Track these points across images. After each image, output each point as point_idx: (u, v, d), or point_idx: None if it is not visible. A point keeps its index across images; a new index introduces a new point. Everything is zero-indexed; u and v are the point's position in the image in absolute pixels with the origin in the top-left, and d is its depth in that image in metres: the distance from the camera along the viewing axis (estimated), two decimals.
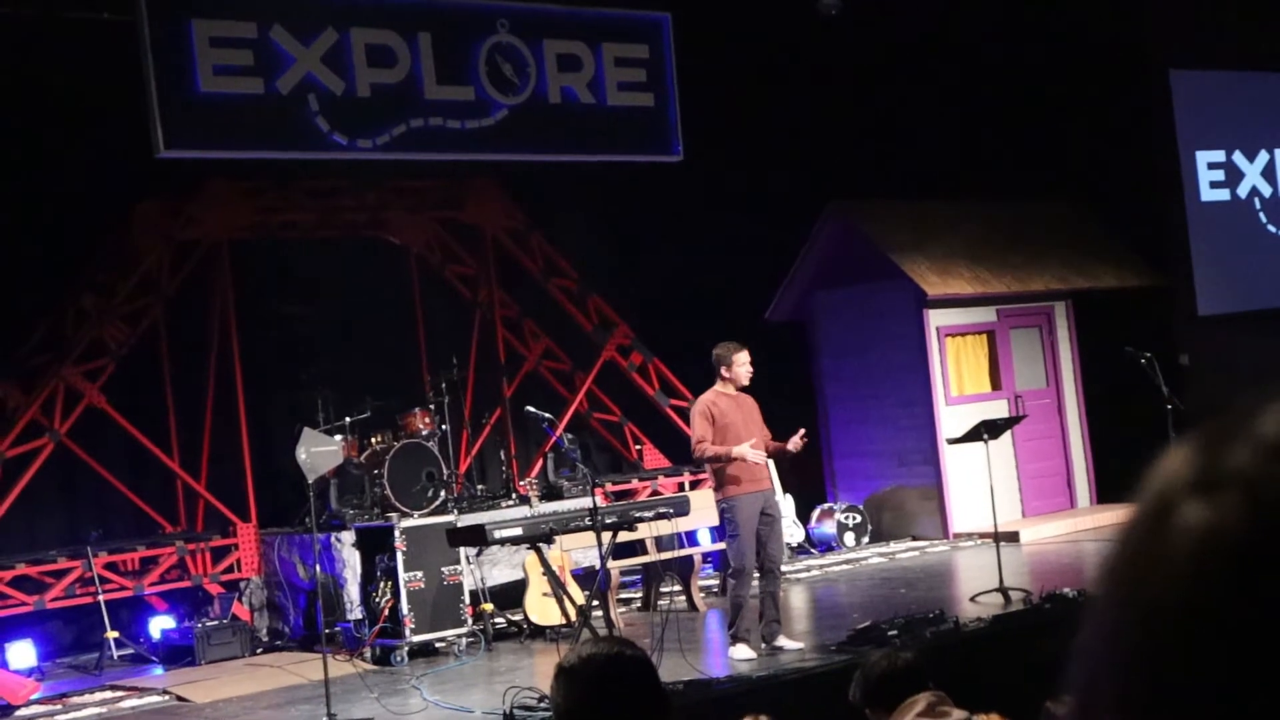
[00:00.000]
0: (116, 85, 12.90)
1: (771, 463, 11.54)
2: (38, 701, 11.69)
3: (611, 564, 12.03)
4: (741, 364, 11.11)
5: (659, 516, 10.88)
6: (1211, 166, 19.31)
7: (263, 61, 13.21)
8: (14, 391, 13.64)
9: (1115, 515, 16.30)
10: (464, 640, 12.39)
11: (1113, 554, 0.97)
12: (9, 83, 13.07)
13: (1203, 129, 19.16)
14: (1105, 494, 17.60)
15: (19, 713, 11.39)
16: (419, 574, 12.15)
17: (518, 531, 10.45)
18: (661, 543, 13.09)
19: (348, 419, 13.87)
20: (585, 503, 10.92)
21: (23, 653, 12.82)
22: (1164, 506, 0.94)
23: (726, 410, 10.97)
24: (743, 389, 11.17)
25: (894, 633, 10.61)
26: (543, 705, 9.12)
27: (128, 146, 12.97)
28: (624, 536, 10.99)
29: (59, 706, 11.63)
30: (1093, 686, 0.95)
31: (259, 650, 13.31)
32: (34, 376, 13.68)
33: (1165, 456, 0.97)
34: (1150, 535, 0.94)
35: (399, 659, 12.05)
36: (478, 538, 10.62)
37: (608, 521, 10.35)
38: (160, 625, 13.63)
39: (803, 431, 11.02)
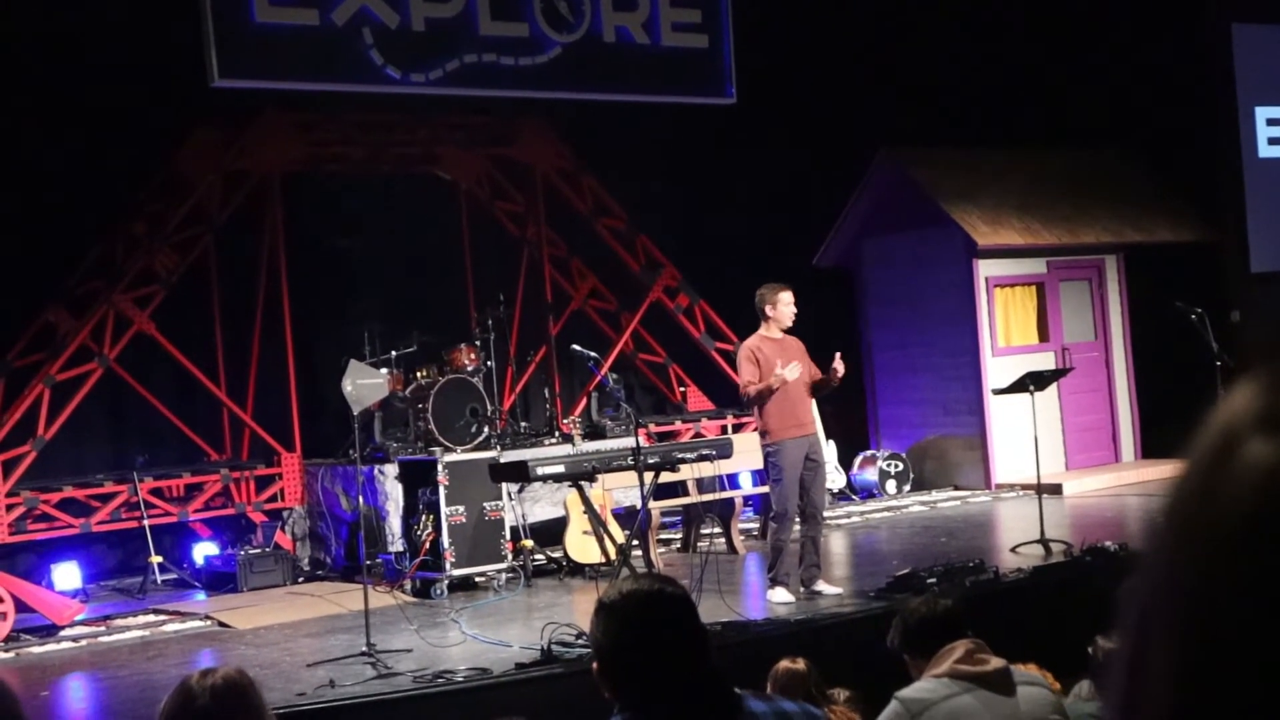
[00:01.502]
0: (173, 13, 12.89)
1: (815, 409, 11.51)
2: (82, 623, 11.82)
3: (652, 504, 12.06)
4: (785, 304, 11.08)
5: (701, 458, 10.88)
6: (1271, 123, 19.07)
7: None
8: (65, 316, 13.73)
9: (1160, 471, 16.23)
10: (503, 575, 12.45)
11: (1175, 488, 0.96)
12: (65, 10, 13.09)
13: (1263, 84, 18.92)
14: (1150, 449, 17.51)
15: (63, 633, 11.52)
16: (460, 509, 12.20)
17: (560, 469, 10.47)
18: (703, 485, 13.11)
19: (394, 352, 13.91)
20: (628, 442, 10.94)
21: (68, 574, 12.96)
22: (1229, 442, 0.93)
23: (771, 354, 10.95)
24: (788, 331, 11.14)
25: (933, 581, 10.61)
26: (581, 641, 9.17)
27: (182, 75, 12.98)
28: (666, 477, 11.00)
29: (103, 628, 11.76)
30: (1148, 620, 0.95)
31: (300, 579, 13.42)
32: (85, 302, 13.76)
33: (1230, 394, 0.96)
34: (1214, 470, 0.93)
35: (439, 592, 12.12)
36: (520, 474, 10.64)
37: (650, 462, 10.35)
38: (204, 552, 13.76)
39: (839, 355, 10.97)
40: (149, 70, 13.35)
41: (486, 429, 13.77)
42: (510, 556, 12.56)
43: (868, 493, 16.71)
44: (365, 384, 10.43)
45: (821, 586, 11.01)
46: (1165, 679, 0.92)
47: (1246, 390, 0.95)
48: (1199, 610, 0.90)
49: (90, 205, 14.07)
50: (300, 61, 13.21)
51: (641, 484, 10.19)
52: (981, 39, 17.72)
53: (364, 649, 9.75)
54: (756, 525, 14.31)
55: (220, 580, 13.22)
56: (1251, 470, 0.90)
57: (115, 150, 13.98)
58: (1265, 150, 19.00)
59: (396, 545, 12.87)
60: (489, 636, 10.41)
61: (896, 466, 16.87)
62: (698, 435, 15.32)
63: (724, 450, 11.11)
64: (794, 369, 10.74)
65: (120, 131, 13.88)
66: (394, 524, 13.08)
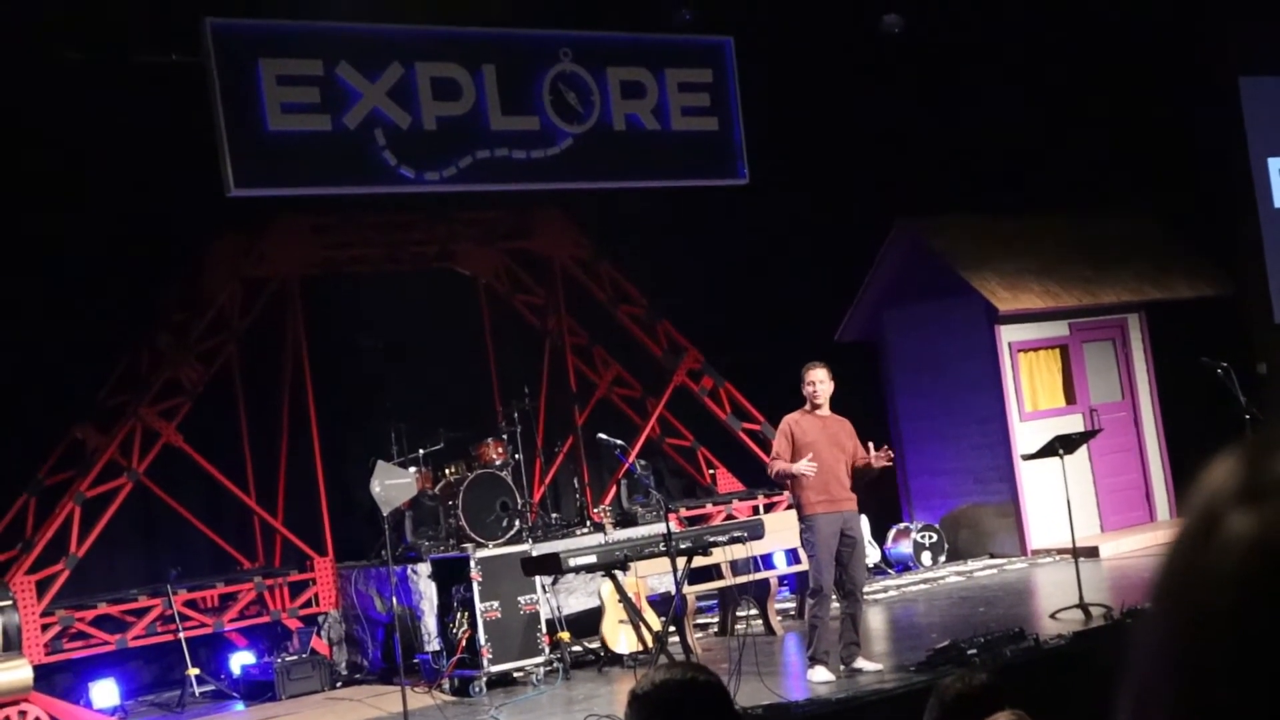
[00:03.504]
0: (186, 126, 13.03)
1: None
2: None
3: (687, 589, 12.02)
4: (807, 383, 11.13)
5: (733, 540, 10.86)
6: None
7: (329, 98, 13.32)
8: (93, 433, 13.79)
9: None
10: (541, 669, 12.39)
11: (1161, 565, 0.96)
12: (80, 128, 13.24)
13: (1274, 135, 18.95)
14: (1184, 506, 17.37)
15: None
16: (495, 604, 12.17)
17: (592, 559, 10.45)
18: (737, 566, 13.06)
19: (421, 451, 13.93)
20: (659, 528, 10.92)
21: (106, 692, 12.94)
22: (1211, 517, 0.93)
23: (808, 430, 10.97)
24: (833, 408, 11.17)
25: (973, 651, 10.53)
26: None
27: (198, 186, 13.10)
28: (699, 561, 10.98)
29: None
30: (1146, 698, 0.94)
31: (338, 684, 13.37)
32: (112, 417, 13.82)
33: (1211, 468, 0.96)
34: (1198, 545, 0.93)
35: (477, 689, 12.07)
36: (553, 566, 10.62)
37: (682, 547, 10.33)
38: (240, 661, 13.72)
39: (885, 447, 11.01)
40: (165, 184, 13.48)
41: (518, 522, 13.75)
42: (547, 649, 12.51)
43: (903, 565, 16.63)
44: (394, 484, 10.46)
45: (862, 664, 10.95)
46: None
47: (1225, 465, 0.95)
48: (1191, 683, 0.90)
49: (113, 321, 14.15)
50: (315, 167, 13.33)
51: (675, 570, 10.17)
52: (992, 108, 17.78)
53: None
54: (793, 605, 14.24)
55: (258, 689, 13.17)
56: (1233, 544, 0.90)
57: (135, 265, 14.10)
58: None
59: (433, 644, 12.82)
60: None
61: (930, 538, 16.79)
62: (729, 517, 15.27)
63: (756, 531, 11.08)
64: (808, 469, 10.73)
65: (140, 245, 13.99)
66: (429, 623, 13.04)
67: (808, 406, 11.15)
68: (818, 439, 10.94)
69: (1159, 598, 0.95)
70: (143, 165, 13.43)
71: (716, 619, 14.20)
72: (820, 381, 11.12)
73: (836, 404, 11.35)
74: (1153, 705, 0.94)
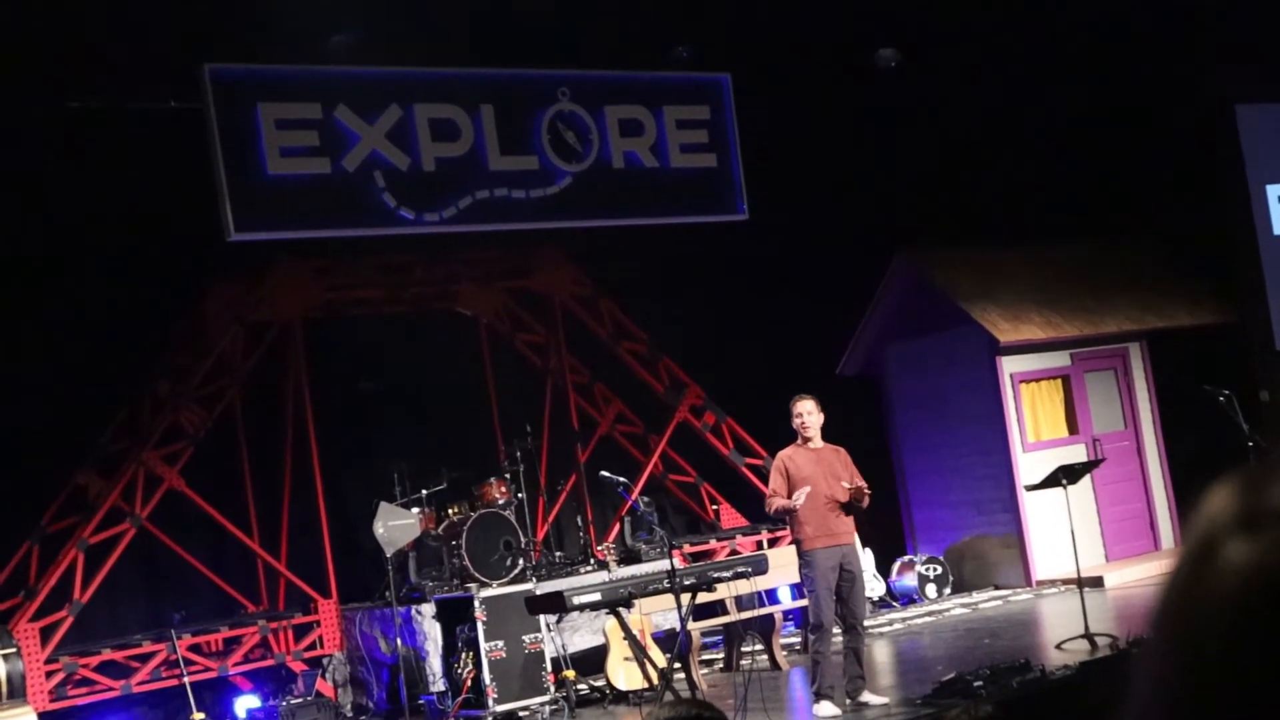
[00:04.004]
0: (185, 172, 13.07)
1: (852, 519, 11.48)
2: None
3: (692, 625, 12.00)
4: (795, 415, 11.13)
5: (737, 576, 10.84)
6: None
7: (328, 141, 13.36)
8: (95, 479, 13.79)
9: None
10: (547, 708, 12.36)
11: (1160, 594, 0.97)
12: (80, 175, 13.29)
13: (1271, 162, 18.98)
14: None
15: None
16: (500, 643, 12.15)
17: (597, 597, 10.43)
18: (741, 602, 13.04)
19: (424, 491, 13.92)
20: (663, 565, 10.90)
21: None
22: (1209, 545, 0.94)
23: (803, 464, 10.95)
24: (827, 439, 11.16)
25: (979, 684, 10.51)
26: None
27: (198, 232, 13.14)
28: (704, 597, 10.98)
29: None
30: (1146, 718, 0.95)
31: None
32: (114, 463, 13.82)
33: (1209, 496, 0.97)
34: (1196, 574, 0.94)
35: None
36: (557, 605, 10.60)
37: (686, 583, 10.31)
38: (245, 705, 13.68)
39: (855, 483, 10.98)
40: (165, 229, 13.51)
41: (521, 561, 13.73)
42: (553, 688, 12.49)
43: (908, 598, 16.59)
44: (397, 525, 10.46)
45: (867, 697, 10.92)
46: None
47: (1224, 493, 0.96)
48: (1190, 709, 0.91)
49: (115, 367, 14.17)
50: (314, 210, 13.36)
51: (679, 606, 10.15)
52: (990, 140, 17.83)
53: None
54: (799, 639, 14.21)
55: None
56: (1232, 572, 0.91)
57: (136, 310, 14.11)
58: None
59: (438, 685, 12.80)
60: None
61: (935, 570, 16.77)
62: (733, 553, 15.25)
63: (759, 566, 11.06)
64: (801, 495, 10.73)
65: (141, 290, 14.01)
66: (434, 663, 13.01)
67: (799, 440, 11.14)
68: (813, 472, 10.92)
69: (1158, 625, 0.96)
70: (143, 211, 13.47)
71: (722, 655, 14.17)
72: (809, 413, 11.10)
73: (839, 437, 11.34)
74: None
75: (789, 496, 10.88)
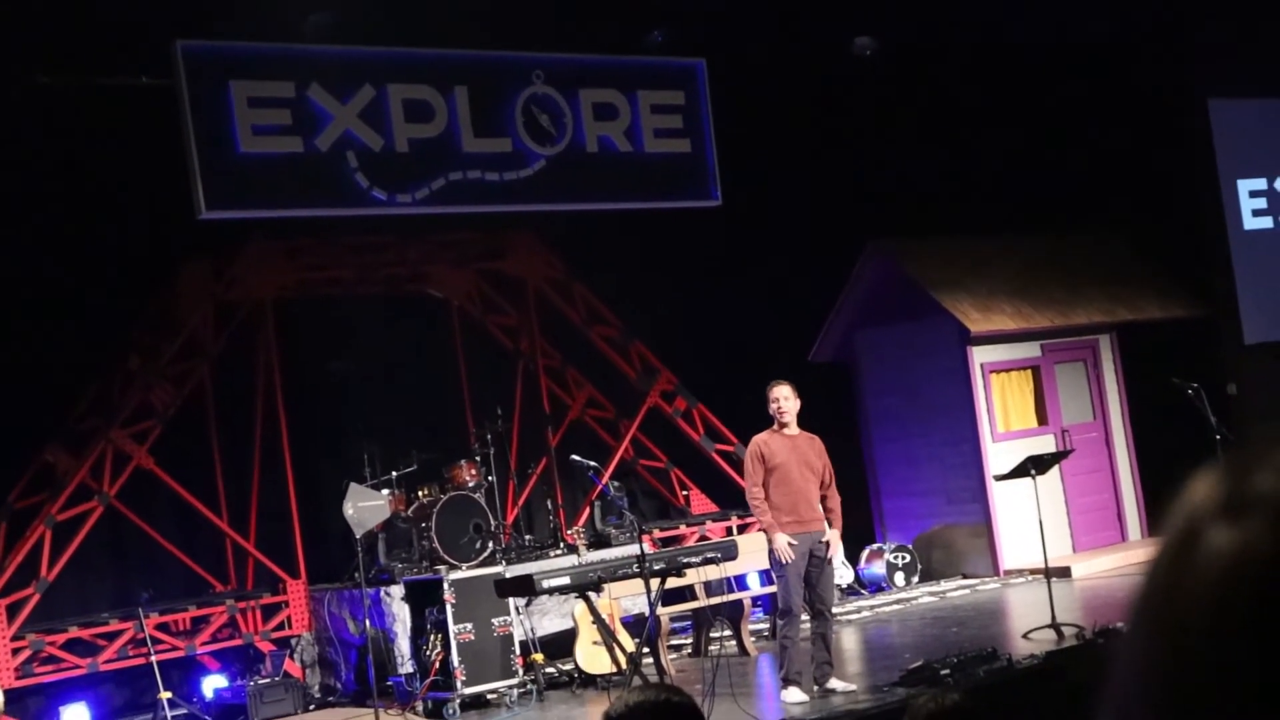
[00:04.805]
0: (157, 149, 13.01)
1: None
2: None
3: (661, 610, 12.01)
4: (771, 401, 11.13)
5: (707, 561, 10.85)
6: (1253, 194, 19.19)
7: (301, 120, 13.30)
8: (63, 456, 13.73)
9: None
10: (515, 691, 12.36)
11: (1143, 580, 0.97)
12: (51, 151, 13.21)
13: (1243, 157, 19.06)
14: (1156, 526, 17.39)
15: None
16: (469, 626, 12.14)
17: (566, 580, 10.43)
18: (710, 588, 13.06)
19: (394, 473, 13.90)
20: (633, 550, 10.90)
21: (77, 716, 12.85)
22: (1192, 531, 0.94)
23: (778, 450, 10.96)
24: (801, 428, 11.17)
25: (946, 672, 10.55)
26: None
27: (169, 209, 13.07)
28: (673, 582, 10.97)
29: None
30: (1125, 708, 0.95)
31: (311, 707, 13.32)
32: (83, 440, 13.76)
33: (1192, 483, 0.97)
34: (1178, 560, 0.93)
35: (451, 712, 12.03)
36: (526, 588, 10.61)
37: (656, 568, 10.32)
38: (213, 685, 13.65)
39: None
40: (136, 207, 13.44)
41: (491, 544, 13.73)
42: (521, 671, 12.49)
43: (876, 586, 16.63)
44: (366, 506, 10.44)
45: (834, 684, 10.95)
46: None
47: (1207, 480, 0.96)
48: (1172, 697, 0.91)
49: (84, 344, 14.09)
50: (286, 189, 13.30)
51: (649, 591, 10.16)
52: (965, 130, 17.87)
53: None
54: (767, 626, 14.24)
55: (231, 713, 13.11)
56: (1215, 558, 0.91)
57: (106, 288, 14.03)
58: (1250, 222, 19.10)
59: (406, 667, 12.79)
60: None
61: (904, 558, 16.81)
62: (703, 538, 15.26)
63: (729, 552, 11.07)
64: (785, 549, 10.75)
65: (111, 269, 13.94)
66: (403, 645, 13.00)
67: (775, 426, 11.14)
68: (788, 459, 10.94)
69: (1138, 613, 0.96)
70: (114, 188, 13.40)
71: (690, 640, 14.19)
72: (785, 399, 11.10)
73: (809, 424, 11.34)
74: (1134, 717, 0.94)
75: (765, 482, 10.89)
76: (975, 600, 15.42)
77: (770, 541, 10.88)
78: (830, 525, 11.09)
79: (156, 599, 13.93)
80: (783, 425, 11.11)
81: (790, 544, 10.76)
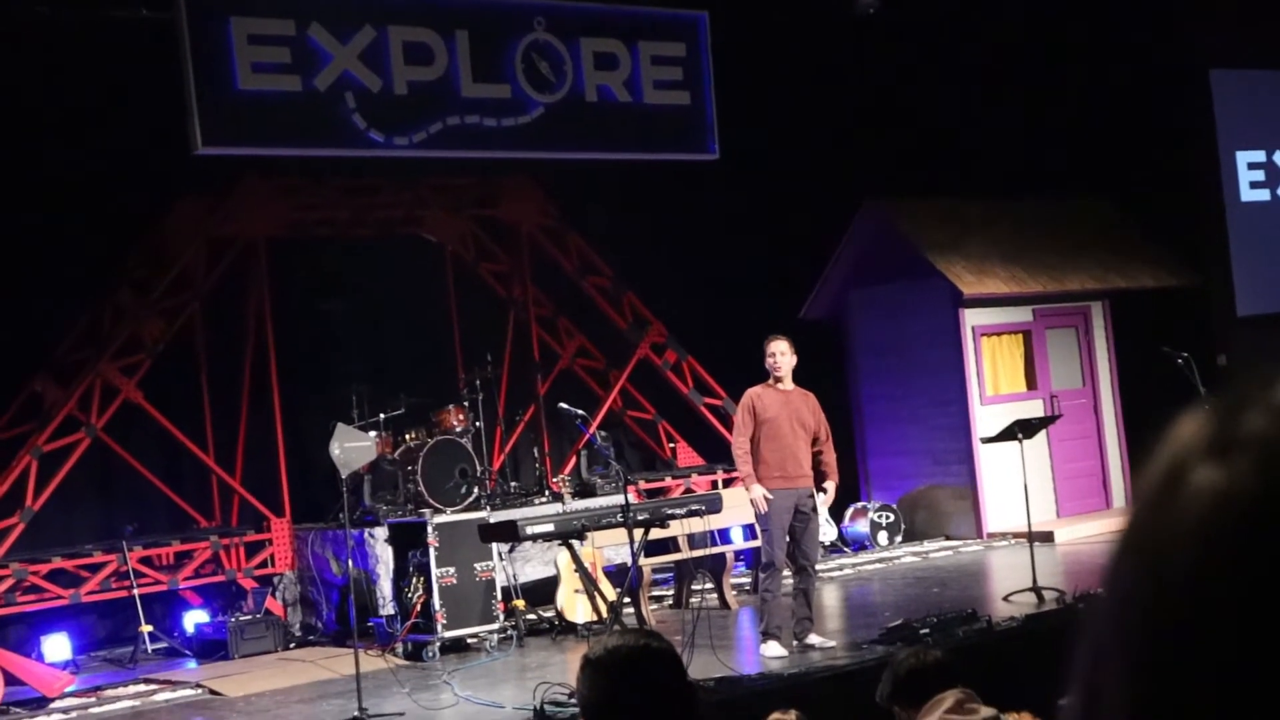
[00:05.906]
0: (154, 83, 12.95)
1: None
2: (72, 694, 11.75)
3: (643, 561, 12.04)
4: (768, 355, 11.12)
5: (691, 514, 10.88)
6: (1252, 167, 19.19)
7: (300, 59, 13.24)
8: (51, 386, 13.72)
9: None
10: (495, 636, 12.40)
11: (1126, 519, 0.96)
12: (48, 81, 13.14)
13: (1243, 129, 19.04)
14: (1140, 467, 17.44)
15: (54, 705, 11.45)
16: (451, 570, 12.17)
17: (550, 528, 10.46)
18: (694, 540, 13.08)
19: (382, 415, 13.90)
20: (618, 500, 10.92)
21: (58, 646, 12.89)
22: (1177, 470, 0.93)
23: (770, 404, 10.97)
24: (801, 384, 11.18)
25: (926, 631, 10.59)
26: (573, 701, 9.12)
27: (165, 144, 13.02)
28: (656, 534, 11.00)
29: (93, 699, 11.69)
30: (1103, 652, 0.94)
31: (292, 645, 13.35)
32: (72, 371, 13.75)
33: (1179, 422, 0.96)
34: (1163, 498, 0.93)
35: (431, 654, 12.08)
36: (510, 534, 10.64)
37: (640, 518, 10.34)
38: (194, 619, 13.69)
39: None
40: (132, 140, 13.38)
41: (476, 489, 13.75)
42: (502, 617, 12.53)
43: (859, 544, 16.68)
44: (353, 447, 10.43)
45: (814, 639, 10.98)
46: (1121, 711, 0.92)
47: (1194, 419, 0.95)
48: (1153, 640, 0.90)
49: (75, 275, 14.07)
50: (283, 128, 13.25)
51: (632, 541, 10.18)
52: (965, 92, 17.82)
53: (356, 714, 9.71)
54: (749, 579, 14.27)
55: (211, 648, 13.15)
56: (1200, 497, 0.90)
57: (100, 220, 13.99)
58: (1248, 194, 19.10)
59: (388, 608, 12.82)
60: (482, 698, 10.37)
61: (888, 518, 16.85)
62: (688, 491, 15.29)
63: (714, 505, 11.09)
64: (760, 503, 10.76)
65: (105, 200, 13.89)
66: (385, 587, 13.02)
67: (770, 380, 11.15)
68: (779, 414, 10.94)
69: (1120, 553, 0.95)
70: (111, 121, 13.34)
71: (672, 591, 14.23)
72: (782, 354, 11.10)
73: (800, 381, 11.35)
74: (1111, 662, 0.93)
75: (755, 436, 10.90)
76: (957, 561, 15.47)
77: (748, 492, 10.91)
78: (826, 478, 11.10)
79: (141, 532, 13.96)
80: (777, 380, 11.11)
81: (766, 496, 10.77)
